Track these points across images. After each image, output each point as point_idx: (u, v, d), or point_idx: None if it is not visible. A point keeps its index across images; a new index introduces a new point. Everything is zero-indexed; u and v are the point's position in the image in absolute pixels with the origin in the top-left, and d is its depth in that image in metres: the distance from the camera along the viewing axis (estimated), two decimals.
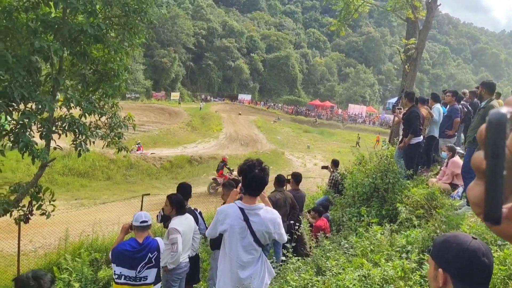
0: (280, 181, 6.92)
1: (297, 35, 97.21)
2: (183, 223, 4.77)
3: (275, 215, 3.28)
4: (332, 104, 74.70)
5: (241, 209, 3.18)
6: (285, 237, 3.35)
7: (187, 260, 4.96)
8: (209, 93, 73.00)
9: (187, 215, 4.99)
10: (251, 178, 3.15)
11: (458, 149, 8.79)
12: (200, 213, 5.71)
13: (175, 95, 63.13)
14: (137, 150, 26.58)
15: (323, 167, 9.99)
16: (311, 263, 4.77)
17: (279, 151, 34.62)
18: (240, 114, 46.92)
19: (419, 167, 7.79)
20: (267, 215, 3.22)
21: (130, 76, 7.37)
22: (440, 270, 1.44)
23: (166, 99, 61.07)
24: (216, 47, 74.13)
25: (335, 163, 9.68)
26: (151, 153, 26.69)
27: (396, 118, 8.57)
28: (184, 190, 5.57)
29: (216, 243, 4.56)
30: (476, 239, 1.48)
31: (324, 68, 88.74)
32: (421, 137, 7.49)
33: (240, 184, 3.44)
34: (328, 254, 4.69)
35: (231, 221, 3.16)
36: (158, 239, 4.33)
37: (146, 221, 4.19)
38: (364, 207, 6.23)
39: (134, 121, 7.00)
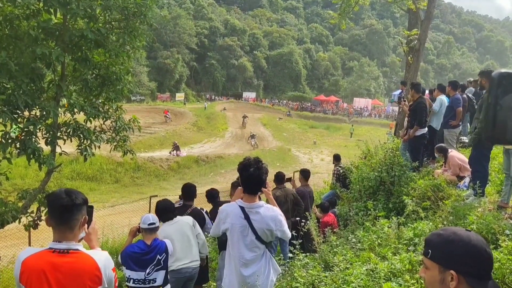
0: (279, 178, 6.93)
1: (300, 30, 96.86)
2: (166, 231, 4.63)
3: (276, 212, 3.29)
4: (337, 98, 74.42)
5: (241, 208, 3.21)
6: (289, 233, 3.35)
7: (189, 265, 4.80)
8: (213, 92, 73.06)
9: (179, 221, 4.83)
10: (246, 177, 3.19)
11: (464, 138, 8.74)
12: (207, 212, 5.71)
13: (180, 96, 63.29)
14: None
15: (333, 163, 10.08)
16: (319, 259, 4.76)
17: (286, 147, 34.63)
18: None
19: (425, 158, 7.75)
20: (268, 212, 3.23)
21: (134, 79, 7.40)
22: (452, 272, 1.42)
23: (171, 100, 61.23)
24: (219, 46, 74.11)
25: (336, 158, 9.87)
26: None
27: (403, 109, 8.53)
28: (189, 191, 5.58)
29: (223, 243, 4.55)
30: (470, 231, 1.49)
31: (328, 63, 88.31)
32: (426, 128, 7.45)
33: None
34: (335, 250, 4.68)
35: (232, 219, 3.20)
36: (166, 241, 4.34)
37: (154, 223, 4.21)
38: (370, 201, 6.22)
39: (139, 123, 7.03)
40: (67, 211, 2.16)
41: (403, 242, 4.21)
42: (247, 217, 3.17)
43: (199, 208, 5.67)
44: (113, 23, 5.93)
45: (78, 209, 2.19)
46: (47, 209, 2.28)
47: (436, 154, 7.47)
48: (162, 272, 4.23)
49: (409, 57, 11.47)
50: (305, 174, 7.96)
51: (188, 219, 4.98)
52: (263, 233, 3.20)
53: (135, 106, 44.16)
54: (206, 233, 5.63)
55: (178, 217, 4.89)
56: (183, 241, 4.62)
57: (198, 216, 5.40)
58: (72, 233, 2.19)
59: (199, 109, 51.67)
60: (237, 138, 38.65)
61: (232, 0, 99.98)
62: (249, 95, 72.40)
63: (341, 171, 9.10)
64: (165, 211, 4.77)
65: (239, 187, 3.68)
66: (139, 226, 4.28)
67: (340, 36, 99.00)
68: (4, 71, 4.90)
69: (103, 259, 2.24)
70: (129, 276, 4.10)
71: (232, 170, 25.22)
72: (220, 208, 3.37)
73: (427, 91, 9.40)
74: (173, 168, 24.85)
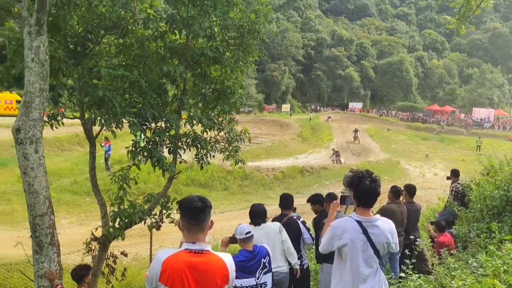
0: (396, 192, 6.61)
1: (411, 38, 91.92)
2: (255, 235, 4.71)
3: (392, 224, 3.26)
4: (453, 108, 68.55)
5: (358, 222, 3.16)
6: (398, 246, 3.29)
7: (276, 269, 4.78)
8: (319, 103, 72.88)
9: (267, 226, 4.98)
10: (362, 189, 3.13)
11: None
12: (303, 222, 5.72)
13: (285, 107, 64.40)
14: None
15: (448, 178, 9.24)
16: (434, 281, 4.45)
17: (394, 160, 32.93)
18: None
19: None
20: (385, 225, 3.19)
21: (244, 92, 7.75)
22: None
23: (277, 111, 62.60)
24: (325, 57, 73.85)
25: (455, 173, 8.95)
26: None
27: None
28: (285, 200, 5.69)
29: (323, 256, 4.50)
30: None
31: (442, 71, 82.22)
32: None
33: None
34: (453, 273, 4.32)
35: (350, 235, 3.14)
36: (265, 245, 4.47)
37: (249, 232, 4.35)
38: (495, 222, 5.62)
39: (249, 134, 7.33)
40: (201, 212, 2.39)
41: None
42: (365, 232, 3.12)
43: (295, 217, 5.71)
44: (229, 40, 6.30)
45: (209, 212, 2.43)
46: (178, 213, 2.53)
47: None
48: (269, 275, 4.35)
49: None
50: (410, 189, 7.20)
51: (275, 225, 5.11)
52: (381, 247, 3.14)
53: (243, 117, 46.02)
54: (303, 242, 5.64)
55: (267, 223, 5.07)
56: (269, 246, 4.71)
57: (292, 225, 5.46)
58: (203, 234, 2.41)
59: (304, 120, 51.86)
60: (341, 149, 37.86)
61: (339, 10, 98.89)
62: (356, 105, 70.67)
63: (460, 188, 8.36)
64: (256, 215, 4.98)
65: (334, 201, 3.66)
66: (229, 238, 4.44)
67: (458, 41, 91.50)
68: (136, 87, 5.49)
69: (229, 260, 2.45)
70: (241, 285, 4.24)
71: (337, 182, 24.71)
72: (333, 223, 3.33)
73: None
74: (279, 178, 25.23)
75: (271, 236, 4.93)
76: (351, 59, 76.68)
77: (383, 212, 5.88)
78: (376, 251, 3.14)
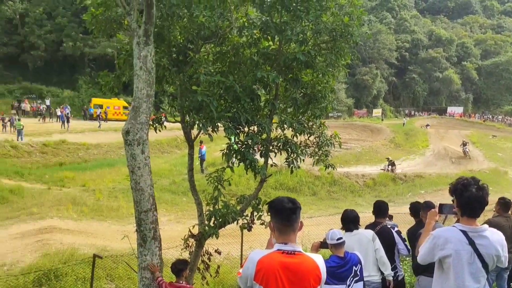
0: (504, 204, 6.03)
1: None
2: (346, 241, 4.58)
3: (502, 235, 2.99)
4: None
5: (464, 232, 2.95)
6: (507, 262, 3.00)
7: (367, 278, 4.65)
8: (413, 107, 69.25)
9: (359, 233, 4.85)
10: (467, 197, 2.93)
11: None
12: (398, 232, 5.47)
13: (377, 112, 62.27)
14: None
15: None
16: None
17: (501, 170, 29.98)
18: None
19: None
20: (495, 236, 2.95)
21: (334, 96, 7.68)
22: None
23: (367, 116, 60.71)
24: (421, 59, 70.02)
25: None
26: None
27: None
28: (380, 208, 5.51)
29: (421, 267, 4.26)
30: None
31: None
32: None
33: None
34: None
35: (455, 246, 2.94)
36: (356, 252, 4.36)
37: (341, 238, 4.28)
38: None
39: (340, 139, 7.23)
40: (292, 213, 2.44)
41: None
42: (471, 243, 2.90)
43: (389, 226, 5.49)
44: (321, 44, 6.30)
45: (299, 213, 2.48)
46: (269, 214, 2.60)
47: None
48: (361, 284, 4.25)
49: None
50: (505, 203, 6.27)
51: (368, 233, 4.95)
52: (490, 260, 2.90)
53: (332, 122, 45.32)
54: (398, 253, 5.39)
55: (360, 229, 4.92)
56: (361, 253, 4.56)
57: (386, 234, 5.25)
58: (294, 235, 2.47)
59: (397, 125, 49.62)
60: (439, 156, 35.44)
61: (438, 9, 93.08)
62: (455, 109, 65.80)
63: None
64: (348, 220, 4.87)
65: (432, 210, 3.45)
66: (320, 243, 4.40)
67: None
68: (231, 92, 5.74)
69: (321, 261, 2.48)
70: None
71: (433, 191, 23.23)
72: (433, 233, 3.14)
73: None
74: (369, 185, 24.43)
75: (364, 244, 4.81)
76: (450, 60, 71.69)
77: (489, 226, 5.40)
78: (485, 265, 2.90)
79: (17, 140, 26.69)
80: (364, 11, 6.39)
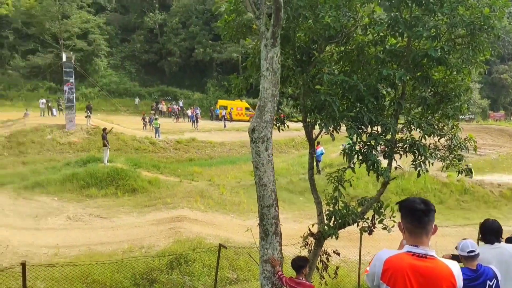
0: None
1: None
2: (484, 254, 4.08)
3: None
4: None
5: None
6: None
7: None
8: None
9: (501, 246, 4.25)
10: None
11: None
12: None
13: None
14: None
15: None
16: None
17: None
18: None
19: None
20: None
21: (470, 95, 7.01)
22: None
23: (505, 119, 53.90)
24: None
25: None
26: None
27: None
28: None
29: None
30: None
31: None
32: None
33: None
34: None
35: None
36: (492, 267, 3.92)
37: (473, 251, 3.90)
38: None
39: (475, 142, 6.59)
40: (425, 216, 2.32)
41: None
42: None
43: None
44: (456, 39, 5.81)
45: (433, 216, 2.34)
46: (400, 214, 2.49)
47: None
48: None
49: None
50: None
51: (510, 248, 4.34)
52: None
53: (463, 125, 40.91)
54: None
55: (502, 243, 4.37)
56: (501, 269, 4.03)
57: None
58: (427, 238, 2.33)
59: None
60: None
61: None
62: None
63: None
64: (489, 231, 4.35)
65: None
66: (451, 255, 4.04)
67: None
68: (354, 92, 5.63)
69: (457, 268, 2.30)
70: None
71: None
72: None
73: None
74: (506, 196, 21.63)
75: (505, 259, 4.30)
76: None
77: None
78: None
79: (155, 137, 29.96)
80: (508, 1, 5.71)
